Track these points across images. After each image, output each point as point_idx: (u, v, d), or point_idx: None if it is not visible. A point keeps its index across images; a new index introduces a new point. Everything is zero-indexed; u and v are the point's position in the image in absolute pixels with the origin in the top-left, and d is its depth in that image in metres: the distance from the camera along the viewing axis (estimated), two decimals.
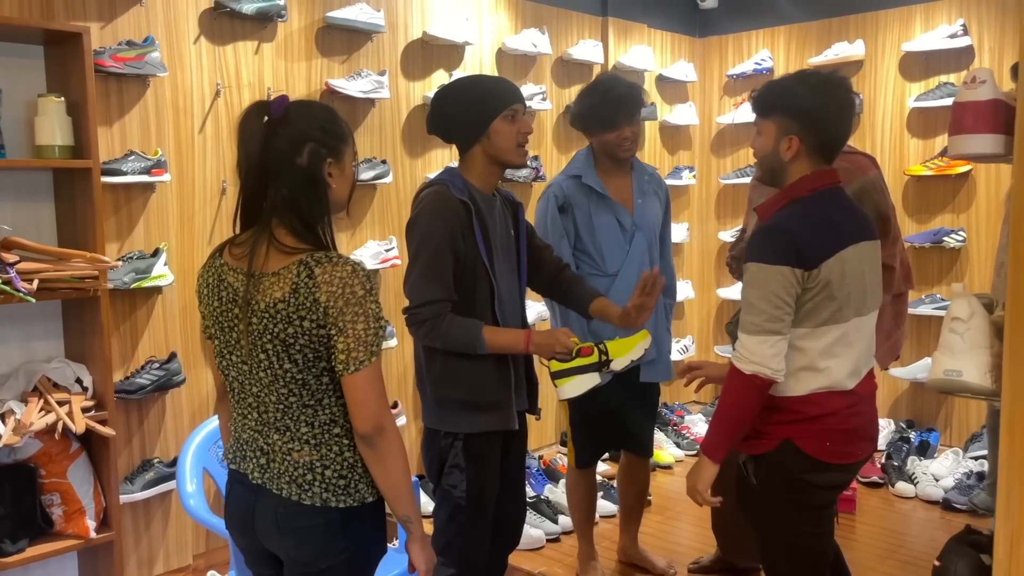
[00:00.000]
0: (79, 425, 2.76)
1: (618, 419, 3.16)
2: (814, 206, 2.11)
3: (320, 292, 1.62)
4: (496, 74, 4.52)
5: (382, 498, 1.77)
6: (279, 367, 1.67)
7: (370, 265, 3.87)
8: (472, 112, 2.34)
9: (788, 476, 2.14)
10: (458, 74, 4.31)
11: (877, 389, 2.32)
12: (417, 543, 1.80)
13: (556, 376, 2.35)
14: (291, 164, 1.68)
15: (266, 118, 1.70)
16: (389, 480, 1.71)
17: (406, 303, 2.31)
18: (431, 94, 4.12)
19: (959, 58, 4.70)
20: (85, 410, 2.86)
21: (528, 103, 4.42)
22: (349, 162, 1.78)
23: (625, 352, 2.37)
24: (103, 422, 2.88)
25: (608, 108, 2.95)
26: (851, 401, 2.14)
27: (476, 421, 2.35)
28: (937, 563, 2.36)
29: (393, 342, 4.04)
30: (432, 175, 4.22)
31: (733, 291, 5.45)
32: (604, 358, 2.34)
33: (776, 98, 2.18)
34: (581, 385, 2.34)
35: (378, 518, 1.80)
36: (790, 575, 2.25)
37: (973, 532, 2.48)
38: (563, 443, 4.87)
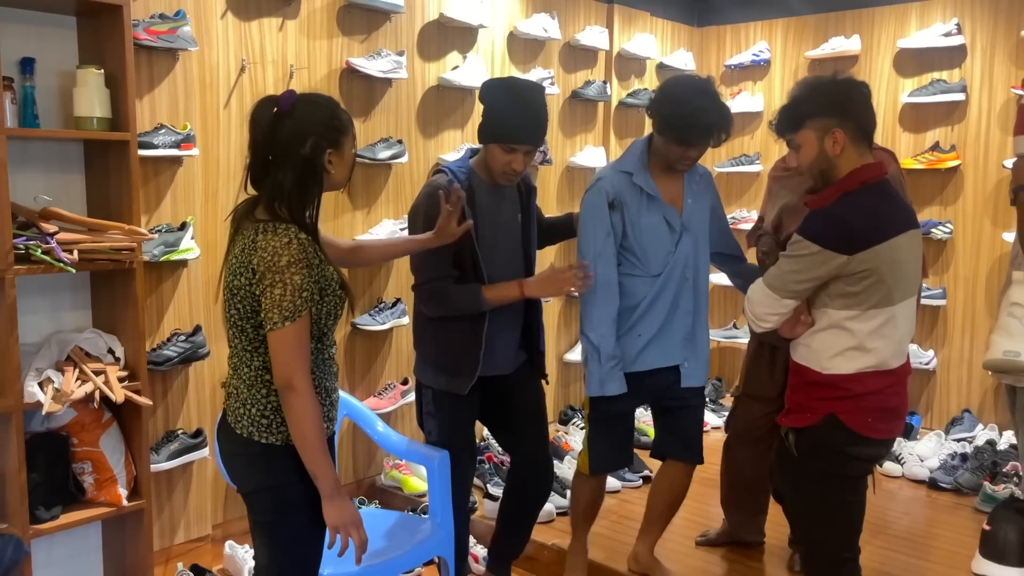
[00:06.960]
0: (118, 395, 2.79)
1: (660, 423, 3.11)
2: (865, 197, 2.24)
3: (255, 256, 1.89)
4: (507, 59, 4.58)
5: None
6: (230, 311, 1.97)
7: None
8: (488, 122, 2.69)
9: (830, 448, 2.30)
10: (471, 56, 4.36)
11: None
12: (325, 500, 1.94)
13: None
14: (294, 153, 1.94)
15: (275, 109, 1.95)
16: (294, 432, 1.92)
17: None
18: (445, 75, 4.21)
19: (952, 56, 4.85)
20: (119, 380, 2.89)
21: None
22: (349, 149, 2.04)
23: None
24: (137, 392, 2.92)
25: (690, 131, 2.71)
26: (892, 380, 2.29)
27: (439, 380, 2.80)
28: (987, 527, 2.53)
29: (404, 320, 4.10)
30: (446, 155, 4.29)
31: None
32: None
33: (804, 107, 2.33)
34: None
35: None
36: (827, 540, 2.39)
37: (1017, 500, 2.67)
38: (562, 422, 4.97)
